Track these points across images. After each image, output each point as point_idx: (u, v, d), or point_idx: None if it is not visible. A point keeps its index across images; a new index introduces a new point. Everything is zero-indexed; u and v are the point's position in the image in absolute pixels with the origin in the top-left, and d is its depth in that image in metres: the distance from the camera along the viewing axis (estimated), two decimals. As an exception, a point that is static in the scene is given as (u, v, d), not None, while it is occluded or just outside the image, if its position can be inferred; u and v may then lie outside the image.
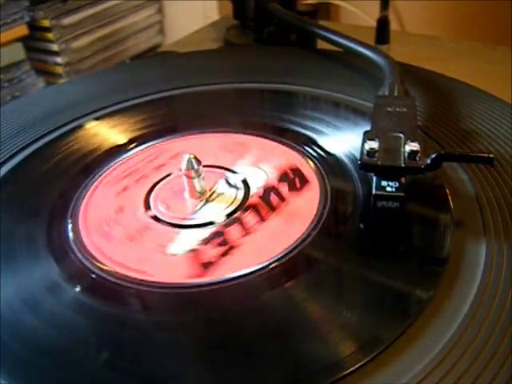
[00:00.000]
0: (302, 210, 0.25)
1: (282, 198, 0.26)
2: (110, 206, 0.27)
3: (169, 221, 0.26)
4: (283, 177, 0.28)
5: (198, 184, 0.27)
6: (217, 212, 0.26)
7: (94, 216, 0.27)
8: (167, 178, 0.29)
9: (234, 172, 0.29)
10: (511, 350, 0.18)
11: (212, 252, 0.24)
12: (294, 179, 0.28)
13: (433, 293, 0.21)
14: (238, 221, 0.25)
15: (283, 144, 0.31)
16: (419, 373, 0.18)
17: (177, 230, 0.25)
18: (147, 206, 0.27)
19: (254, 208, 0.26)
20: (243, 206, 0.26)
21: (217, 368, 0.19)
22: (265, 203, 0.26)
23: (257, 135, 0.32)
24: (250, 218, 0.25)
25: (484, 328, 0.19)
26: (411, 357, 0.18)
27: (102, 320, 0.21)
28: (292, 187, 0.27)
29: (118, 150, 0.32)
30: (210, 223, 0.25)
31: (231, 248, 0.24)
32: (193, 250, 0.24)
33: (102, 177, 0.30)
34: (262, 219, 0.25)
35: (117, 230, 0.26)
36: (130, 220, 0.26)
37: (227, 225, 0.25)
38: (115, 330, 0.21)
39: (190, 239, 0.25)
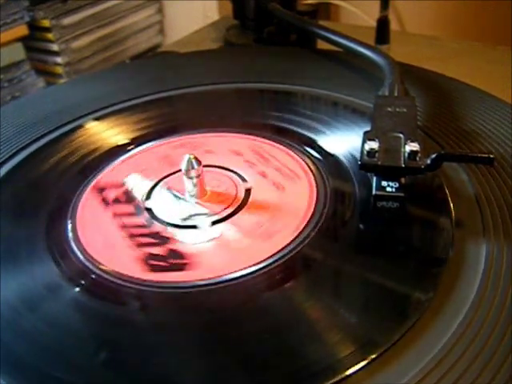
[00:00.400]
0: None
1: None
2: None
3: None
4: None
5: (196, 185, 0.26)
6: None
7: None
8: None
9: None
10: (511, 350, 0.18)
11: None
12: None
13: (432, 293, 0.21)
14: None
15: (283, 144, 0.31)
16: (419, 373, 0.18)
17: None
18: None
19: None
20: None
21: (216, 369, 0.19)
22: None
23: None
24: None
25: (484, 328, 0.19)
26: (411, 357, 0.18)
27: (102, 320, 0.21)
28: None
29: (118, 150, 0.32)
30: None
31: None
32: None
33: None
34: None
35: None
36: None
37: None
38: (115, 330, 0.21)
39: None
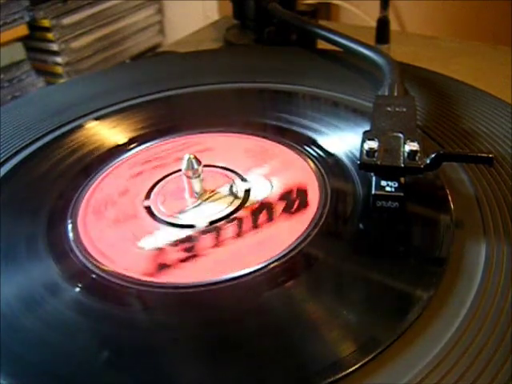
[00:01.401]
0: (276, 238, 0.24)
1: (270, 218, 0.25)
2: (117, 188, 0.28)
3: (157, 214, 0.26)
4: (285, 196, 0.27)
5: (196, 185, 0.27)
6: (204, 216, 0.26)
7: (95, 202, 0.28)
8: (180, 172, 0.28)
9: (244, 180, 0.28)
10: (511, 349, 0.18)
11: (174, 255, 0.24)
12: (294, 201, 0.26)
13: (433, 293, 0.21)
14: (217, 230, 0.25)
15: (283, 144, 0.31)
16: (419, 373, 0.18)
17: (158, 224, 0.26)
18: (148, 195, 0.28)
19: (239, 221, 0.25)
20: (231, 216, 0.26)
21: (216, 368, 0.19)
22: (252, 219, 0.25)
23: (279, 142, 0.31)
24: (229, 230, 0.25)
25: (484, 328, 0.19)
26: (411, 357, 0.18)
27: (102, 320, 0.21)
28: (287, 209, 0.26)
29: (118, 150, 0.32)
30: (191, 226, 0.25)
31: (194, 256, 0.23)
32: (159, 249, 0.24)
33: (114, 165, 0.31)
34: (239, 235, 0.24)
35: (111, 211, 0.27)
36: (126, 204, 0.27)
37: (204, 232, 0.25)
38: (115, 330, 0.21)
39: (163, 237, 0.25)
